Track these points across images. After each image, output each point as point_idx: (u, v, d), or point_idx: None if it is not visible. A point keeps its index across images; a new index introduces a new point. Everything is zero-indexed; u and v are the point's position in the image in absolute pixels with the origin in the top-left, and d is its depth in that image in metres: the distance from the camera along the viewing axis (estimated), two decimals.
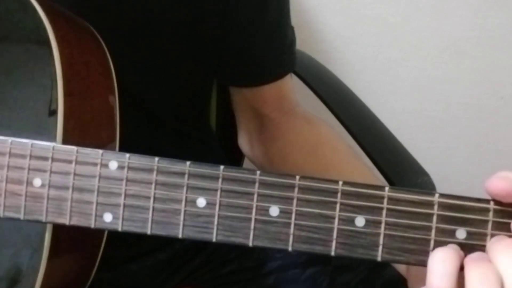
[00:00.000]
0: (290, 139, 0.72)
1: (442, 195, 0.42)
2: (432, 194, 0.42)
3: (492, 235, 0.41)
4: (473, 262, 0.40)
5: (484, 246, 0.41)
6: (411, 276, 0.51)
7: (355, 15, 1.14)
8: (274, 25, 0.70)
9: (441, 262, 0.40)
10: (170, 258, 0.77)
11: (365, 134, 0.81)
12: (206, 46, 0.69)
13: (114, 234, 0.48)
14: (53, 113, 0.51)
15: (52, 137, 0.51)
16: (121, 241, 0.54)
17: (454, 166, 1.25)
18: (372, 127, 0.83)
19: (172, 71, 0.70)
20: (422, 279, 0.43)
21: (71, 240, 0.53)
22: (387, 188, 0.42)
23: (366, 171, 0.69)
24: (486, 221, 0.41)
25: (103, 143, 0.54)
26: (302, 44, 1.07)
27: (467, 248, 0.42)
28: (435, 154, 1.24)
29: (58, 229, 0.50)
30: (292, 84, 0.75)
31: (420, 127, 1.22)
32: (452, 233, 0.42)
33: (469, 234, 0.42)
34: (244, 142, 0.76)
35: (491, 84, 1.19)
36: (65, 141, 0.51)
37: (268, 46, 0.71)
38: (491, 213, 0.41)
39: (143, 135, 0.64)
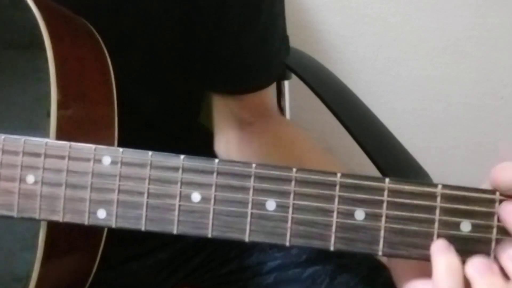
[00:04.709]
0: (266, 140, 0.72)
1: (445, 186, 0.41)
2: (435, 186, 0.41)
3: (499, 228, 0.40)
4: (477, 274, 0.39)
5: (490, 239, 0.40)
6: (397, 264, 0.50)
7: (355, 15, 1.14)
8: (263, 34, 0.70)
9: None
10: (171, 258, 0.76)
11: (365, 134, 0.81)
12: (196, 51, 0.69)
13: (114, 233, 0.48)
14: (46, 110, 0.51)
15: (46, 135, 0.50)
16: (121, 240, 0.54)
17: (454, 166, 1.25)
18: (372, 127, 0.83)
19: (165, 76, 0.70)
20: (404, 267, 0.43)
21: (68, 240, 0.53)
22: (387, 180, 0.41)
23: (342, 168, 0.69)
24: (492, 213, 0.40)
25: (100, 141, 0.53)
26: (302, 44, 1.07)
27: (472, 241, 0.40)
28: (435, 154, 1.23)
29: (54, 227, 0.49)
30: (272, 91, 0.76)
31: (420, 127, 1.21)
32: (456, 226, 0.41)
33: (474, 226, 0.40)
34: (221, 148, 0.75)
35: (491, 84, 1.19)
36: (59, 138, 0.50)
37: (256, 55, 0.71)
38: (497, 204, 0.40)
39: (137, 137, 0.63)
